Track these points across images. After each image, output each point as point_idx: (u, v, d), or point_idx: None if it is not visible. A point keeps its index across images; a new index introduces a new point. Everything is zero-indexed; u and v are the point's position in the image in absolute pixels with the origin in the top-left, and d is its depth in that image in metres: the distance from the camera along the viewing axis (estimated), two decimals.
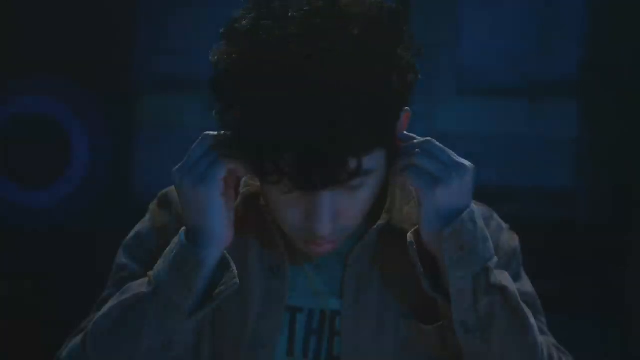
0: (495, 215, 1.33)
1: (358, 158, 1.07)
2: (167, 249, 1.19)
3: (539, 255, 2.85)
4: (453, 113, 3.18)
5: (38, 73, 3.03)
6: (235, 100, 1.08)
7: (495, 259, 1.17)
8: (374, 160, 1.11)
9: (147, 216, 1.33)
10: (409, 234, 1.19)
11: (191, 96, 2.96)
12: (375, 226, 1.25)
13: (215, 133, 1.16)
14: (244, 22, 1.09)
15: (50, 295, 2.98)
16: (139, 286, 1.19)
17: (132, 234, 1.32)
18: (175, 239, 1.19)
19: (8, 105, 3.06)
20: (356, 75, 1.03)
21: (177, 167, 1.18)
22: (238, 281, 1.17)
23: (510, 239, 1.31)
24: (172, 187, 1.31)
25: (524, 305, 1.19)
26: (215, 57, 1.11)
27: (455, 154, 1.17)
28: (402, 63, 1.10)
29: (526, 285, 1.30)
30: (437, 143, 1.16)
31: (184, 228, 1.19)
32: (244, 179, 1.27)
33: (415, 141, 1.17)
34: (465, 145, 3.21)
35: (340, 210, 1.14)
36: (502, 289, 1.16)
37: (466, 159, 1.18)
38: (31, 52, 3.02)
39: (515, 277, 1.27)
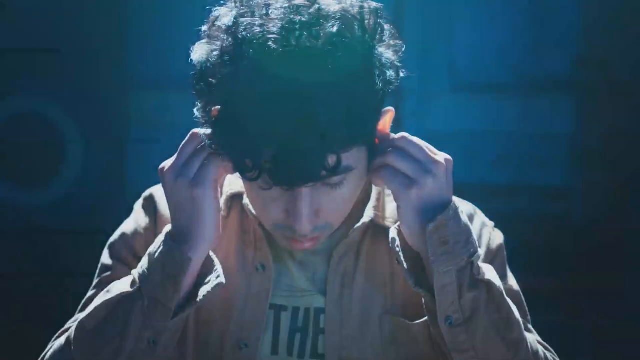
0: (480, 213, 1.33)
1: (336, 154, 1.07)
2: (151, 247, 1.18)
3: (534, 252, 2.85)
4: (446, 110, 3.18)
5: (31, 73, 3.02)
6: (214, 96, 1.09)
7: (480, 252, 1.17)
8: (354, 158, 1.11)
9: (132, 216, 1.33)
10: (391, 230, 1.19)
11: (186, 95, 2.95)
12: (359, 224, 1.25)
13: (204, 130, 1.15)
14: (225, 19, 1.09)
15: (44, 293, 2.98)
16: (124, 285, 1.19)
17: (116, 234, 1.32)
18: (160, 238, 1.18)
19: (2, 105, 3.05)
20: (334, 72, 1.04)
21: (166, 166, 1.17)
22: (224, 280, 1.17)
23: (495, 237, 1.30)
24: (157, 187, 1.31)
25: (509, 301, 1.18)
26: (196, 54, 1.11)
27: (431, 149, 1.16)
28: (383, 61, 1.10)
29: (511, 283, 1.30)
30: (412, 139, 1.15)
31: (168, 227, 1.18)
32: (227, 179, 1.27)
33: (389, 138, 1.16)
34: (459, 142, 3.21)
35: (320, 208, 1.13)
36: (487, 284, 1.16)
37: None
38: (24, 52, 3.01)
39: (501, 276, 1.26)
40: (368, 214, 1.26)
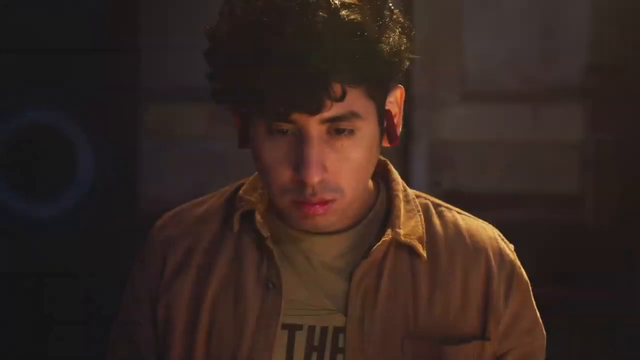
0: (503, 237, 1.31)
1: (341, 85, 1.08)
2: None
3: (545, 261, 2.84)
4: (457, 119, 3.18)
5: (42, 84, 3.04)
6: (223, 43, 1.11)
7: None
8: (360, 106, 1.12)
9: (140, 253, 1.31)
10: None
11: (196, 105, 2.96)
12: (380, 242, 1.23)
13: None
14: None
15: (57, 301, 2.99)
16: None
17: (130, 273, 1.30)
18: None
19: (14, 117, 3.07)
20: (338, 10, 1.09)
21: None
22: None
23: (524, 272, 1.30)
24: (182, 207, 1.31)
25: None
26: (210, 29, 1.14)
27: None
28: (389, 18, 1.13)
29: (539, 335, 1.30)
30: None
31: None
32: (239, 194, 1.27)
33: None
34: (469, 151, 3.21)
35: (328, 163, 1.13)
36: None
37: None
38: (35, 63, 3.02)
39: (533, 322, 1.27)
40: (389, 232, 1.24)
